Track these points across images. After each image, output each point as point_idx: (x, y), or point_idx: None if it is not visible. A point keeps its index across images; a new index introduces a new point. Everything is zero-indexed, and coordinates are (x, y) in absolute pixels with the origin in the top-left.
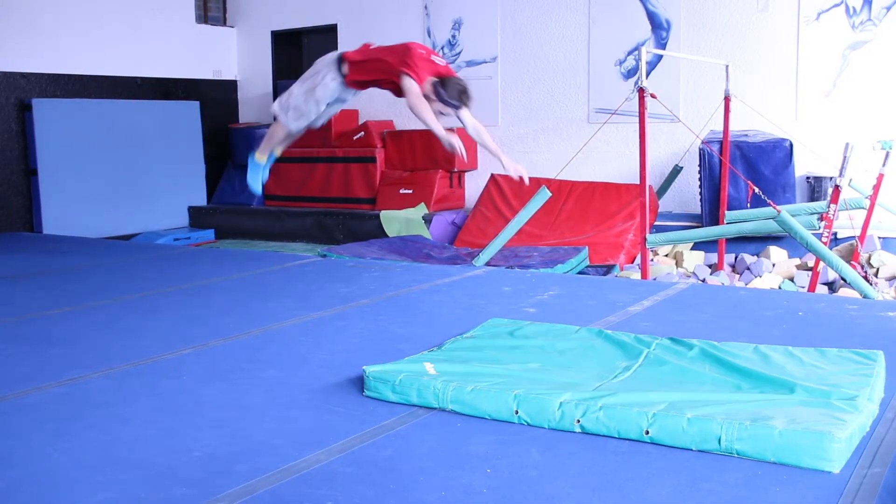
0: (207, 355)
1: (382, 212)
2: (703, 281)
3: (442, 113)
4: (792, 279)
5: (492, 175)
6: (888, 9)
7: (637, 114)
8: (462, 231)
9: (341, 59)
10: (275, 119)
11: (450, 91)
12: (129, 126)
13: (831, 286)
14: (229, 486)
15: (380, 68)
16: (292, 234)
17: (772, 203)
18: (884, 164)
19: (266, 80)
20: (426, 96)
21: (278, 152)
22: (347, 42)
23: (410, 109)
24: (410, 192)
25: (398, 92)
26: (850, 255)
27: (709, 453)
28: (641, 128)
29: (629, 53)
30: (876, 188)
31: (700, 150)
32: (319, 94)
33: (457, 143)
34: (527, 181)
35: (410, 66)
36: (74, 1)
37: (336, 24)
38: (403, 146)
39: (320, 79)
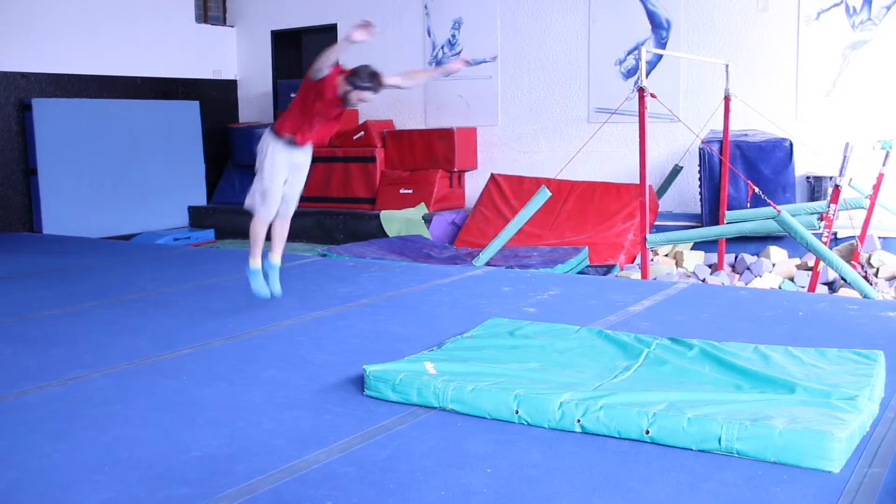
0: (207, 355)
1: (382, 212)
2: (703, 281)
3: (363, 101)
4: (792, 279)
5: (492, 175)
6: (888, 8)
7: (637, 113)
8: (462, 231)
9: (272, 128)
10: (251, 217)
11: (361, 75)
12: (129, 126)
13: (831, 286)
14: (229, 486)
15: (298, 101)
16: (292, 234)
17: (772, 203)
18: (884, 164)
19: (266, 79)
20: (345, 95)
21: (276, 259)
22: None
23: (317, 68)
24: (410, 191)
25: (329, 111)
26: (850, 255)
27: (709, 453)
28: (641, 128)
29: (629, 53)
30: (876, 188)
31: (700, 149)
32: (269, 167)
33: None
34: (470, 60)
35: (310, 70)
36: (74, 1)
37: (336, 24)
38: (403, 146)
39: (265, 154)
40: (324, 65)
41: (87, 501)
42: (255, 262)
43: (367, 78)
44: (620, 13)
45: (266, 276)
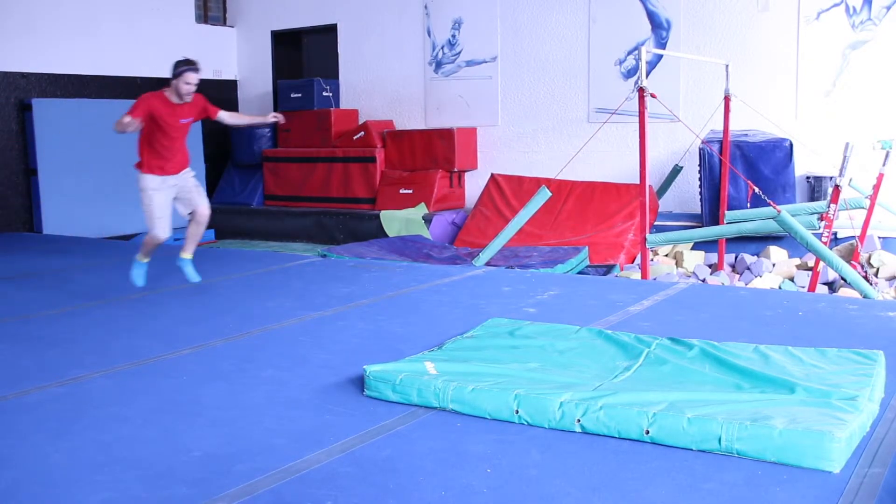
0: (207, 355)
1: (382, 212)
2: (703, 281)
3: (190, 84)
4: (792, 279)
5: (492, 175)
6: (888, 8)
7: (637, 113)
8: (462, 231)
9: (139, 170)
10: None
11: (176, 66)
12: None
13: (831, 286)
14: (229, 486)
15: (144, 141)
16: (292, 234)
17: (772, 203)
18: (884, 164)
19: (266, 79)
20: (177, 95)
21: (187, 255)
22: (347, 42)
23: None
24: (410, 192)
25: (173, 118)
26: (850, 255)
27: (709, 453)
28: (641, 128)
29: (629, 53)
30: (876, 188)
31: (700, 149)
32: (153, 203)
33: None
34: (281, 119)
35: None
36: (74, 1)
37: (336, 24)
38: (403, 146)
39: (144, 194)
40: (124, 124)
41: (87, 501)
42: (143, 259)
43: (182, 64)
44: (620, 13)
45: (182, 269)
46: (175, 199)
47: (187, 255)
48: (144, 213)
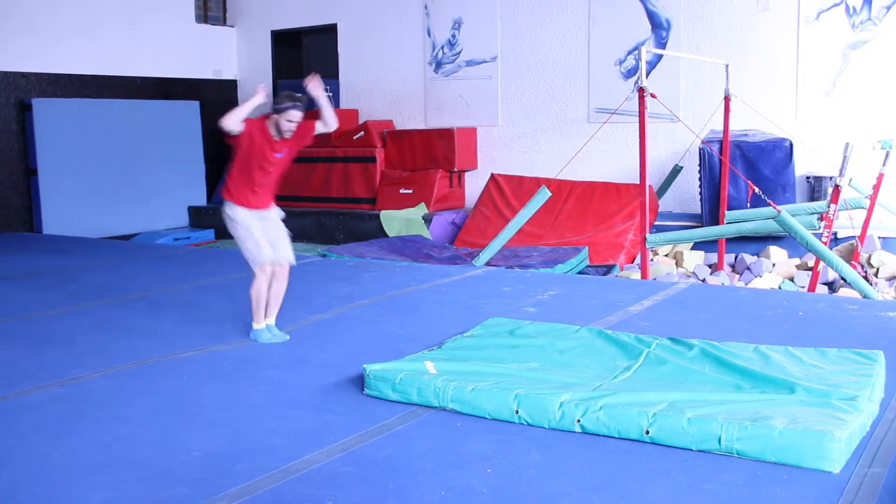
0: (207, 355)
1: (382, 212)
2: (703, 281)
3: (292, 122)
4: (792, 279)
5: (492, 175)
6: (888, 8)
7: (637, 113)
8: (462, 231)
9: (225, 198)
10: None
11: (281, 100)
12: (129, 126)
13: (831, 286)
14: (229, 485)
15: (236, 168)
16: (292, 234)
17: (772, 203)
18: (884, 164)
19: (266, 79)
20: (276, 128)
21: (272, 321)
22: (347, 42)
23: (228, 122)
24: (410, 192)
25: (262, 160)
26: (850, 255)
27: (709, 453)
28: (641, 128)
29: (629, 53)
30: (876, 188)
31: (700, 149)
32: (251, 229)
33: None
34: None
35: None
36: (74, 1)
37: (336, 24)
38: (403, 146)
39: (237, 225)
40: (232, 121)
41: (87, 501)
42: (260, 326)
43: (286, 99)
44: (620, 13)
45: (270, 338)
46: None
47: (273, 320)
48: (243, 247)
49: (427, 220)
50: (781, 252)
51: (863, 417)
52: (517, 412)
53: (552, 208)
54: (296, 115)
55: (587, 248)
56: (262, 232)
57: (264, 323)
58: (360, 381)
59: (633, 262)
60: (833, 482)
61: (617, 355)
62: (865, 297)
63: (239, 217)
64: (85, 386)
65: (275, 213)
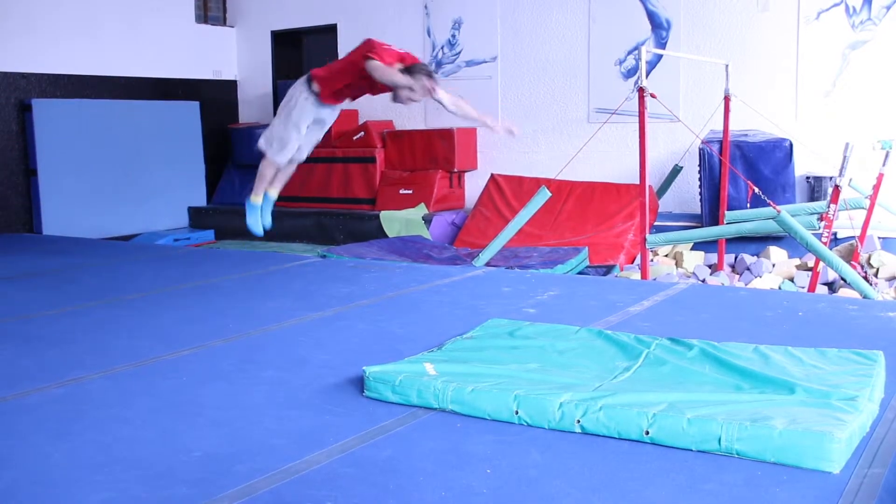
0: (207, 355)
1: (382, 212)
2: (703, 281)
3: (412, 99)
4: (792, 279)
5: (492, 175)
6: (888, 8)
7: (637, 114)
8: (462, 231)
9: (310, 78)
10: (262, 157)
11: (416, 74)
12: (129, 126)
13: (831, 286)
14: (229, 486)
15: (345, 69)
16: (292, 234)
17: (772, 203)
18: (884, 164)
19: (266, 80)
20: (394, 88)
21: (273, 194)
22: (347, 42)
23: (381, 80)
24: (410, 192)
25: (373, 89)
26: (850, 255)
27: (709, 454)
28: (641, 128)
29: (629, 53)
30: (876, 188)
31: (700, 149)
32: (296, 116)
33: (442, 95)
34: (516, 132)
35: (373, 52)
36: (74, 1)
37: (336, 24)
38: (403, 146)
39: (294, 102)
40: (386, 70)
41: (87, 501)
42: (257, 199)
43: (423, 74)
44: (620, 13)
45: (263, 210)
46: (308, 126)
47: (275, 194)
48: (275, 121)
49: (427, 220)
50: (781, 252)
51: (863, 418)
52: (517, 413)
53: (552, 208)
54: (416, 96)
55: (587, 248)
56: (303, 135)
57: (261, 196)
58: (359, 382)
59: (633, 262)
60: (833, 482)
61: (617, 356)
62: (865, 297)
63: (302, 105)
64: (85, 386)
65: (334, 113)
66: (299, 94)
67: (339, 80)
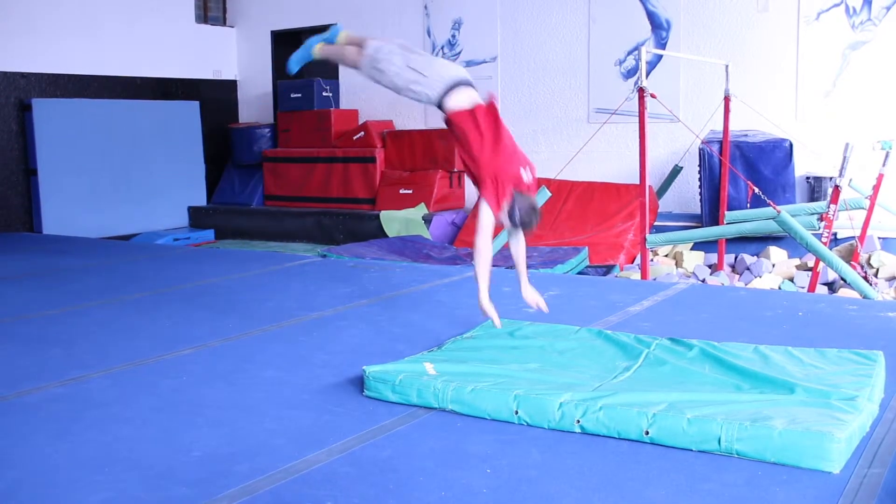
0: (207, 355)
1: (382, 212)
2: (703, 281)
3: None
4: (792, 279)
5: None
6: (888, 9)
7: (637, 114)
8: (462, 231)
9: (449, 92)
10: (360, 45)
11: (522, 212)
12: (128, 126)
13: (831, 286)
14: (229, 486)
15: (474, 153)
16: (292, 234)
17: (772, 203)
18: (884, 164)
19: (266, 80)
20: (511, 218)
21: (321, 54)
22: None
23: (481, 213)
24: (410, 192)
25: (469, 171)
26: (850, 256)
27: (709, 454)
28: (641, 128)
29: (629, 53)
30: (876, 188)
31: (700, 150)
32: (414, 86)
33: (491, 312)
34: (545, 310)
35: (497, 191)
36: (74, 1)
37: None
38: (403, 146)
39: (425, 80)
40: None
41: (87, 501)
42: (318, 52)
43: (525, 218)
44: (620, 13)
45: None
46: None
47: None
48: (392, 52)
49: (427, 220)
50: (781, 252)
51: (863, 418)
52: (517, 413)
53: (552, 208)
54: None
55: (587, 248)
56: (401, 88)
57: (320, 50)
58: (359, 382)
59: (632, 262)
60: (833, 482)
61: (617, 356)
62: (865, 297)
63: (429, 87)
64: (85, 386)
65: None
66: (436, 83)
67: (460, 139)
